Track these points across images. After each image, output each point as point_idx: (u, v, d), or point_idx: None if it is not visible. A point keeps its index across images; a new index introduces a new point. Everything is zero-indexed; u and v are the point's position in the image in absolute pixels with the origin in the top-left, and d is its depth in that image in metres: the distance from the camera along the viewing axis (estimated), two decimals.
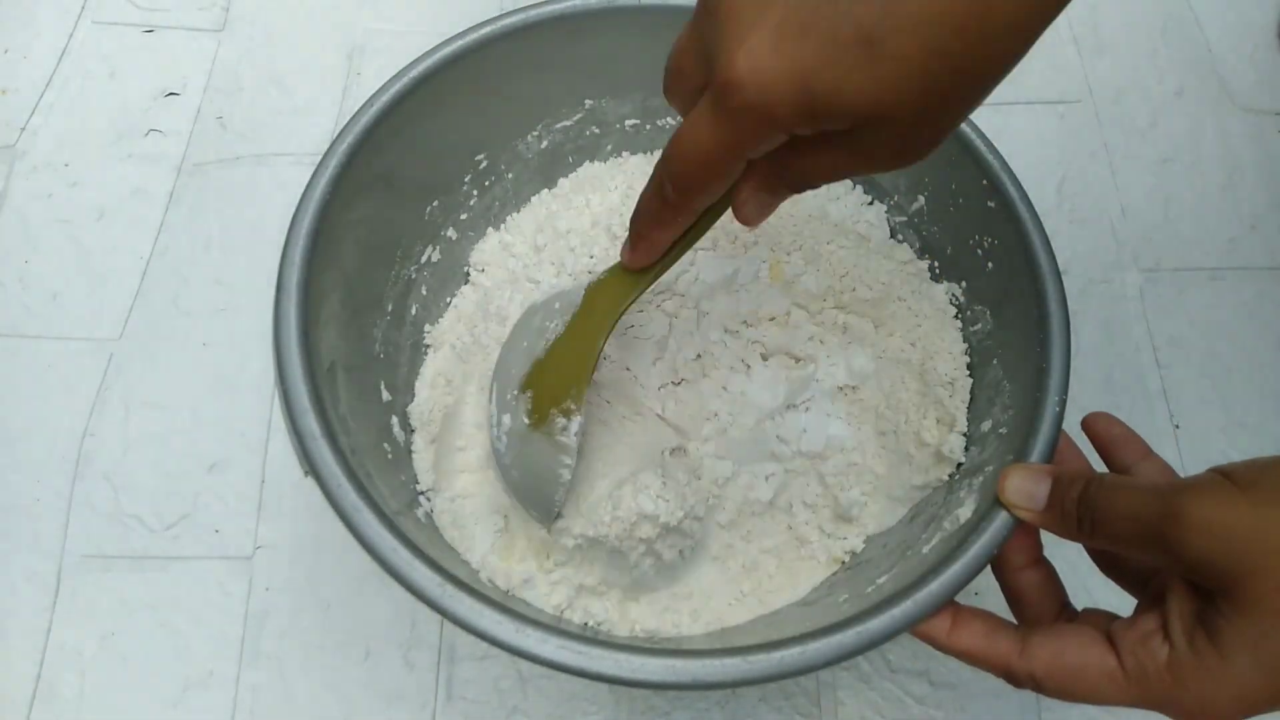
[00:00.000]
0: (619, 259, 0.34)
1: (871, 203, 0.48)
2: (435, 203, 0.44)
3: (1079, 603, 0.32)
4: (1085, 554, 0.33)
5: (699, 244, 0.36)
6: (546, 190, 0.49)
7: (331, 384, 0.35)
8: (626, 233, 0.33)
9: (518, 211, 0.49)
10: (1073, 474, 0.30)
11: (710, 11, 0.25)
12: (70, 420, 0.51)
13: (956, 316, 0.44)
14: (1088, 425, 0.35)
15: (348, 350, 0.38)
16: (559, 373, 0.36)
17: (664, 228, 0.31)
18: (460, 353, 0.44)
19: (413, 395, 0.44)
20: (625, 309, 0.35)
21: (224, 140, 0.60)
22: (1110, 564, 0.33)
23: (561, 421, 0.35)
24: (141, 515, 0.49)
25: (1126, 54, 0.65)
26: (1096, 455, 0.35)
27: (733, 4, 0.24)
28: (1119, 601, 0.31)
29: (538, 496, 0.37)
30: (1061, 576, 0.33)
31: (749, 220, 0.30)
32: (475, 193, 0.46)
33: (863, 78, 0.22)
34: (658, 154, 0.49)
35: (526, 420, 0.36)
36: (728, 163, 0.26)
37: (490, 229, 0.49)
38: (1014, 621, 0.32)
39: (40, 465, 0.50)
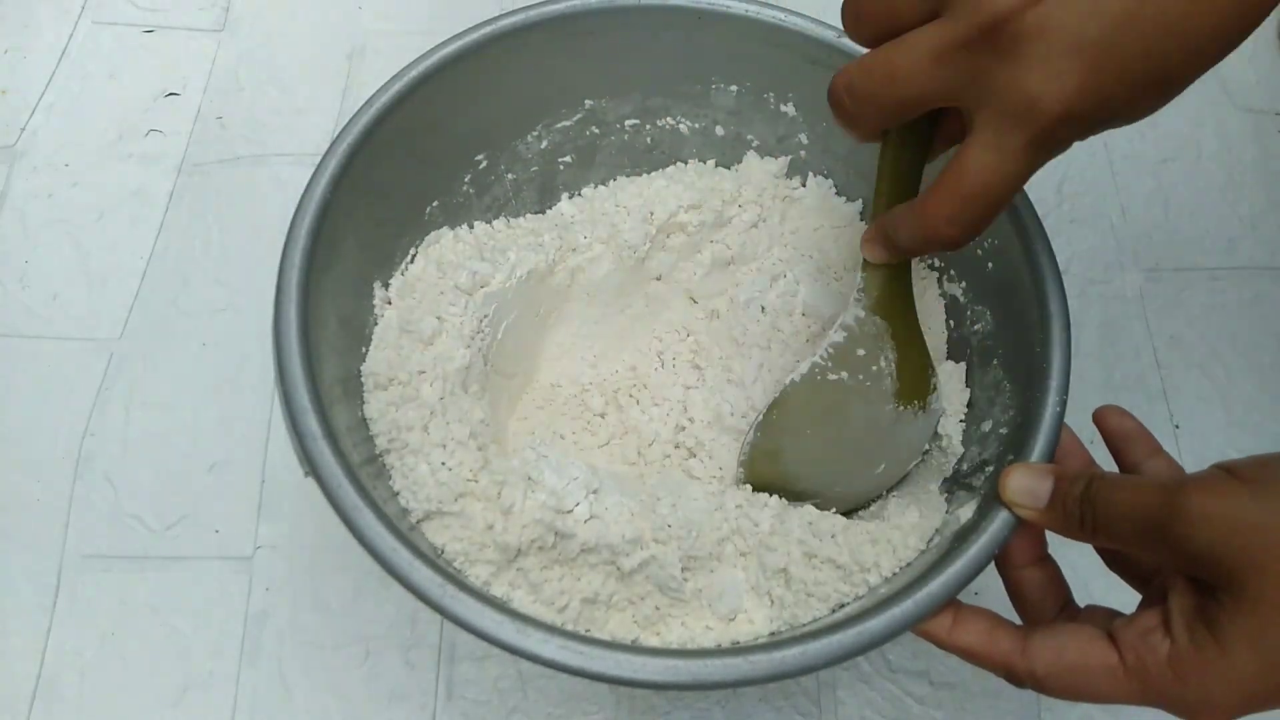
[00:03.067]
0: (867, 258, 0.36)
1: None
2: (435, 203, 0.44)
3: (1081, 601, 0.32)
4: (1088, 553, 0.33)
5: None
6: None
7: (332, 384, 0.35)
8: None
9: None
10: (1075, 472, 0.30)
11: (1005, 32, 0.26)
12: (70, 420, 0.51)
13: (953, 322, 0.44)
14: (1099, 419, 0.35)
15: (348, 350, 0.38)
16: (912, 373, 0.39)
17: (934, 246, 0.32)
18: None
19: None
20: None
21: (224, 140, 0.60)
22: (1116, 559, 0.33)
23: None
24: (141, 515, 0.49)
25: None
26: (1102, 450, 0.35)
27: (1039, 35, 0.25)
28: (1120, 601, 0.31)
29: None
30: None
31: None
32: (475, 192, 0.46)
33: (1149, 106, 0.28)
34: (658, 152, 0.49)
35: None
36: (1014, 194, 0.29)
37: None
38: (1016, 621, 0.32)
39: (40, 465, 0.50)
